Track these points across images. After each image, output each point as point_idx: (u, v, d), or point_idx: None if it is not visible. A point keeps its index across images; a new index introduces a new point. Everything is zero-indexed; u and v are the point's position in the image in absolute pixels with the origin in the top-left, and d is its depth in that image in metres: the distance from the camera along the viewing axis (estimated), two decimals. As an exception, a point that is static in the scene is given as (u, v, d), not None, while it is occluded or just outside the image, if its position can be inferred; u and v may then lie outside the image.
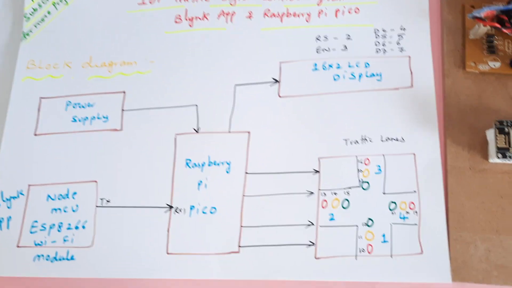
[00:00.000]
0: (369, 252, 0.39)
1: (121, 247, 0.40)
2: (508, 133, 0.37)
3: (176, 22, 0.46)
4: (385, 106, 0.42)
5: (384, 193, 0.40)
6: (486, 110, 0.41)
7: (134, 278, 0.40)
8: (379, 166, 0.41)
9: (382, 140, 0.41)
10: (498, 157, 0.37)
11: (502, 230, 0.38)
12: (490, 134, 0.38)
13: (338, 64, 0.43)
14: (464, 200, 0.39)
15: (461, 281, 0.38)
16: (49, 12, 0.47)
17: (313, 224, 0.39)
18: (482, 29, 0.41)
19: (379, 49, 0.44)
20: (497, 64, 0.42)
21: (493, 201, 0.39)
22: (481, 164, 0.40)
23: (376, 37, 0.44)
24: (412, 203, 0.39)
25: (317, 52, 0.44)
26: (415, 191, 0.40)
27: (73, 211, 0.41)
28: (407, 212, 0.39)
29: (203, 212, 0.40)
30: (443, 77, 0.43)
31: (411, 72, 0.43)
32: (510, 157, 0.37)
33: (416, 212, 0.39)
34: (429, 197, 0.39)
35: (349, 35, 0.44)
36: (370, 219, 0.39)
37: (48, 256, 0.40)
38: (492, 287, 0.37)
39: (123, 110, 0.44)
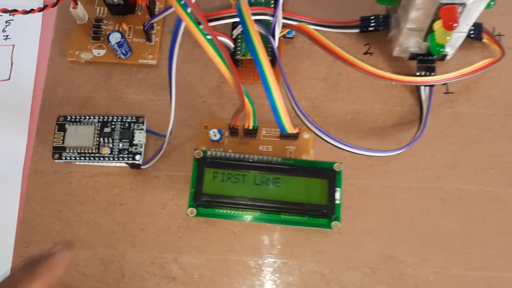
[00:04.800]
0: None
1: None
2: (65, 130, 0.32)
3: None
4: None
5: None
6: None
7: None
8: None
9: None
10: (55, 158, 0.32)
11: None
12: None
13: None
14: None
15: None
16: None
17: None
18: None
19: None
20: (102, 52, 0.37)
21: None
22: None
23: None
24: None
25: None
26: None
27: None
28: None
29: None
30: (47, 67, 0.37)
31: (12, 63, 0.37)
32: (66, 157, 0.32)
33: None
34: None
35: None
36: None
37: None
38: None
39: None
